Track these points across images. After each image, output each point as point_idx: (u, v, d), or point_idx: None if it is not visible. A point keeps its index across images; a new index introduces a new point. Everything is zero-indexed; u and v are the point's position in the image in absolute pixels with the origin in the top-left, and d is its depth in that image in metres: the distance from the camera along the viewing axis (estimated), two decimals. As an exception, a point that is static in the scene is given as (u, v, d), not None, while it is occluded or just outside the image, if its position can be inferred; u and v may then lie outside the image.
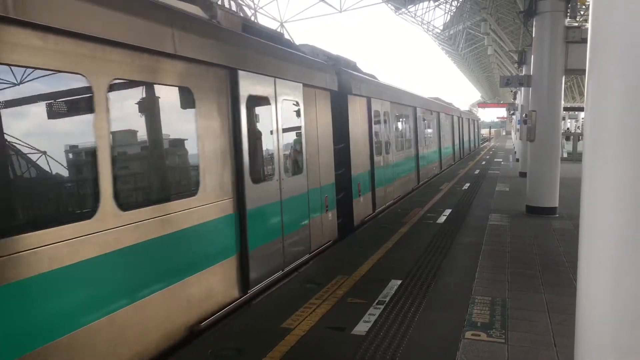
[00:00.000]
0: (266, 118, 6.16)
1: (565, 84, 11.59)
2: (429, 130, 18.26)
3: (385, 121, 11.78)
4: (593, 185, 2.43)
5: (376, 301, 5.37)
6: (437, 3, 32.36)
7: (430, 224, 9.66)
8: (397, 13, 33.72)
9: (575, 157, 23.93)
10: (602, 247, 2.38)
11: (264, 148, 6.11)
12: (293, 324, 4.79)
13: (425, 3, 32.34)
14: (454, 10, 33.50)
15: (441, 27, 38.62)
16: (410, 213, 10.84)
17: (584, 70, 2.50)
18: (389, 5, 32.23)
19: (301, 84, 7.00)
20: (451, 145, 25.29)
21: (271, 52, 6.41)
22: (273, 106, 6.24)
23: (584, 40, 9.91)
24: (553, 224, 9.65)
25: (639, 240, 2.24)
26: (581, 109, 30.41)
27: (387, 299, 5.42)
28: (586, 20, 14.99)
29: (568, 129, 40.85)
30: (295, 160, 7.02)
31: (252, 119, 5.75)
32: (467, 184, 16.22)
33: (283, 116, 6.44)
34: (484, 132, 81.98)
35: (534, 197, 10.79)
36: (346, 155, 9.12)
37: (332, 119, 8.37)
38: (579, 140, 26.18)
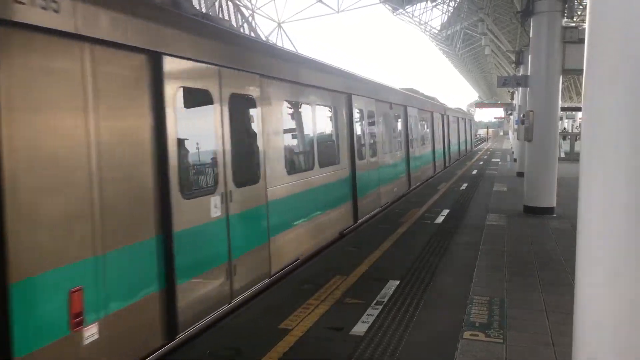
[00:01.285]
0: None
1: (562, 84, 11.61)
2: (387, 133, 12.77)
3: (237, 119, 5.67)
4: (590, 185, 2.43)
5: (374, 301, 5.37)
6: (434, 3, 32.40)
7: (428, 224, 9.67)
8: (395, 13, 33.75)
9: (572, 157, 23.98)
10: (600, 246, 2.38)
11: None
12: (291, 324, 4.79)
13: (423, 3, 32.39)
14: (452, 10, 33.55)
15: (438, 28, 38.72)
16: (409, 213, 10.85)
17: (582, 71, 2.51)
18: (387, 5, 32.26)
19: None
20: (430, 152, 19.20)
21: None
22: None
23: (581, 41, 9.95)
24: (551, 223, 9.67)
25: (636, 240, 2.25)
26: (578, 109, 30.48)
27: (386, 299, 5.42)
28: (583, 21, 15.01)
29: (565, 128, 40.90)
30: None
31: None
32: (465, 184, 16.26)
33: None
34: (482, 132, 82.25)
35: (532, 197, 10.81)
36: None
37: None
38: (576, 140, 26.25)
